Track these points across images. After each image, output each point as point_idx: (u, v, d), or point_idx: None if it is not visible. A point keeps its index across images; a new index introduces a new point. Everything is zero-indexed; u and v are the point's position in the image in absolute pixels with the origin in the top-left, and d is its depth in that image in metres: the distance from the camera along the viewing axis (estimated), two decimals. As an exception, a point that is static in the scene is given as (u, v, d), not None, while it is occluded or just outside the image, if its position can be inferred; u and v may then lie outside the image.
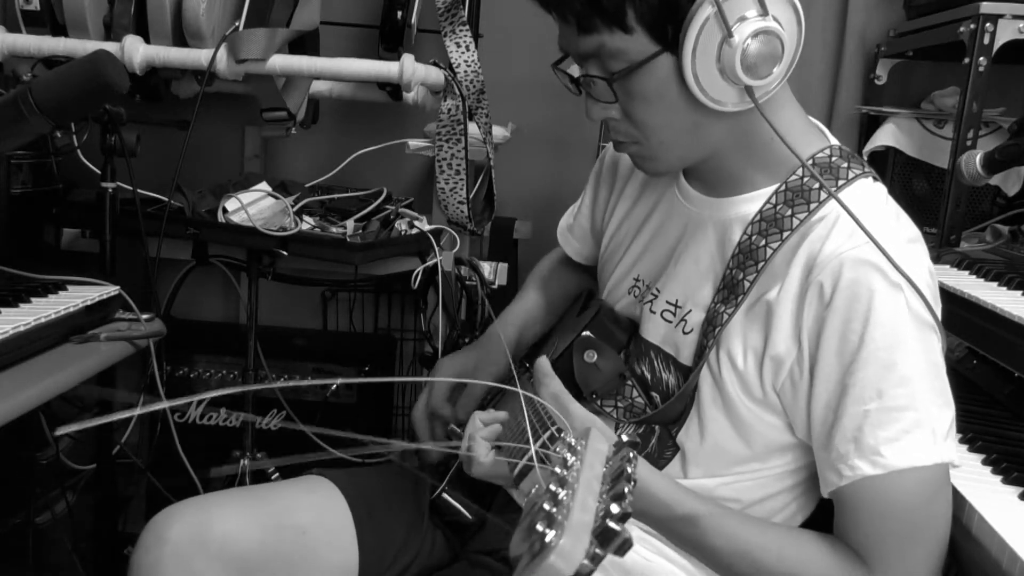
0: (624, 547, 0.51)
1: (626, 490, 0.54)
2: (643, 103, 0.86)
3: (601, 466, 0.60)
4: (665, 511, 0.83)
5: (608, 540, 0.51)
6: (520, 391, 0.80)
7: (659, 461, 0.96)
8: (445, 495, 1.03)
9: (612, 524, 0.51)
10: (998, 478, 0.98)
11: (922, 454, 0.81)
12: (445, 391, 1.14)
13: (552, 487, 0.55)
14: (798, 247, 0.86)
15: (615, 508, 0.52)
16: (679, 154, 0.91)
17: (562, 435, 0.68)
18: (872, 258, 0.81)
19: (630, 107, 0.87)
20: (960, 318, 1.18)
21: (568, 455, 0.61)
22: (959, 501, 0.92)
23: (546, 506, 0.53)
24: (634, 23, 0.81)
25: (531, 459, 0.68)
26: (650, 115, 0.87)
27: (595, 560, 0.50)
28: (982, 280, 1.26)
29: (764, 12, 0.80)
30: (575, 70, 0.91)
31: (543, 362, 0.90)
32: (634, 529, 0.89)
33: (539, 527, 0.51)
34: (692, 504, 0.84)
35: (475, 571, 1.03)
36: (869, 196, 0.89)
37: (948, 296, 1.20)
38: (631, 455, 0.60)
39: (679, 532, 0.85)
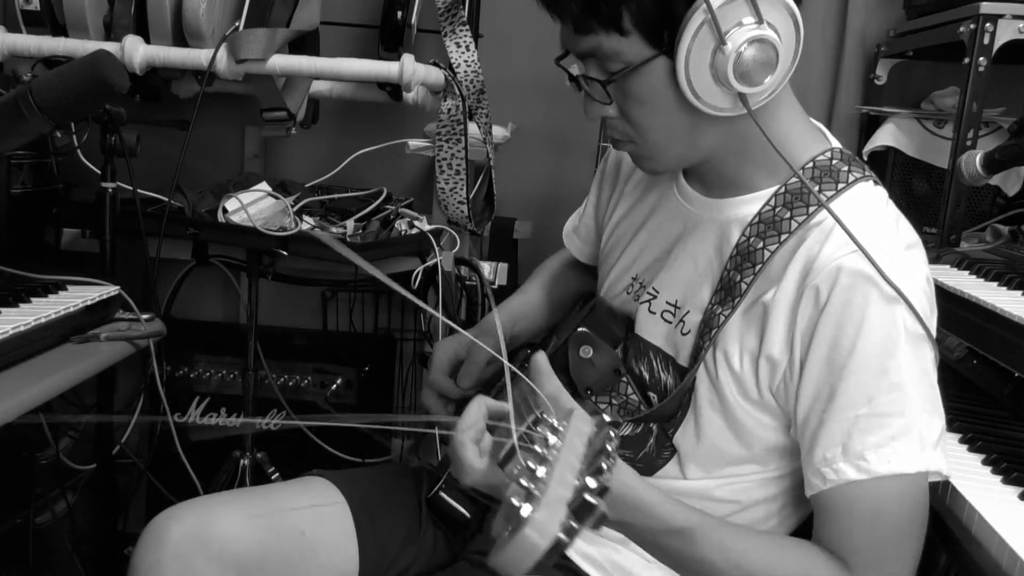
0: (600, 521, 0.51)
1: (605, 466, 0.55)
2: (638, 105, 0.86)
3: (582, 445, 0.60)
4: (659, 524, 0.80)
5: (585, 514, 0.51)
6: (508, 365, 0.78)
7: (657, 461, 0.96)
8: (442, 494, 1.03)
9: (589, 498, 0.51)
10: (998, 478, 0.98)
11: (907, 461, 0.81)
12: (444, 367, 1.13)
13: (531, 464, 0.55)
14: (796, 250, 0.86)
15: (592, 482, 0.52)
16: (676, 155, 0.91)
17: (544, 416, 0.68)
18: (868, 265, 0.81)
19: (626, 108, 0.88)
20: (960, 318, 1.18)
21: (550, 435, 0.61)
22: (959, 501, 0.92)
23: (523, 482, 0.53)
24: (630, 26, 0.81)
25: (517, 447, 0.68)
26: (646, 117, 0.87)
27: (571, 534, 0.50)
28: (982, 280, 1.26)
29: (760, 20, 0.79)
30: (576, 67, 0.91)
31: (540, 358, 0.85)
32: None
33: (515, 502, 0.51)
34: (687, 516, 0.82)
35: (475, 571, 1.02)
36: (869, 200, 0.89)
37: (948, 296, 1.20)
38: (611, 433, 0.60)
39: (668, 545, 0.82)
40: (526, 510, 0.50)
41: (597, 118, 0.91)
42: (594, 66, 0.87)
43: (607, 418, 0.63)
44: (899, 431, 0.81)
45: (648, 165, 0.94)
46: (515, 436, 0.68)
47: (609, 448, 0.58)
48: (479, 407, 0.78)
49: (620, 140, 0.92)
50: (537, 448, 0.59)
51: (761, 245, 0.88)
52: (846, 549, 0.83)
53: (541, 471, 0.54)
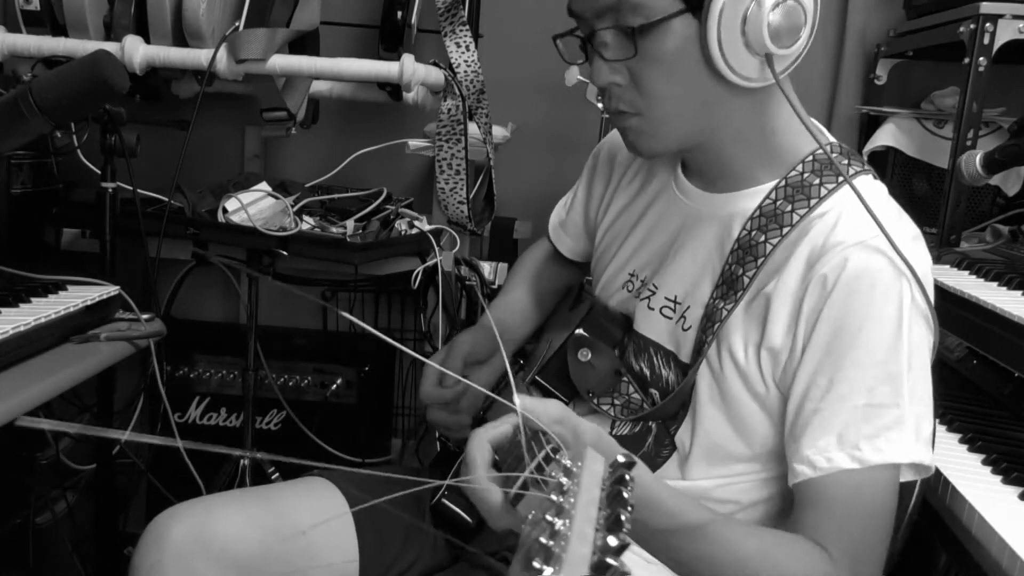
0: None
1: (623, 518, 0.53)
2: (655, 68, 0.84)
3: (598, 489, 0.58)
4: (669, 522, 0.77)
5: (604, 573, 0.50)
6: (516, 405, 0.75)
7: (656, 460, 0.96)
8: (444, 500, 1.03)
9: (610, 560, 0.50)
10: (998, 478, 0.99)
11: (901, 451, 0.81)
12: (433, 380, 1.12)
13: (549, 517, 0.54)
14: (798, 242, 0.86)
15: (612, 540, 0.50)
16: (679, 133, 0.89)
17: (557, 456, 0.65)
18: (876, 254, 0.82)
19: (641, 72, 0.85)
20: (960, 318, 1.18)
21: (564, 479, 0.59)
22: (959, 501, 0.93)
23: (543, 539, 0.51)
24: None
25: (527, 480, 0.66)
26: (660, 83, 0.85)
27: None
28: (982, 280, 1.26)
29: None
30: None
31: (527, 401, 0.73)
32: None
33: (536, 563, 0.50)
34: (699, 513, 0.79)
35: (474, 571, 1.02)
36: (872, 192, 0.89)
37: (948, 296, 1.20)
38: (627, 477, 0.58)
39: (674, 544, 0.79)
40: (547, 573, 0.49)
41: (606, 84, 0.87)
42: (610, 22, 0.84)
43: (621, 458, 0.61)
44: (894, 421, 0.81)
45: (647, 144, 0.90)
46: (530, 470, 0.65)
47: (626, 495, 0.56)
48: (480, 444, 0.72)
49: (624, 112, 0.89)
50: (553, 497, 0.56)
51: (763, 238, 0.88)
52: (827, 536, 0.81)
53: (559, 524, 0.52)
